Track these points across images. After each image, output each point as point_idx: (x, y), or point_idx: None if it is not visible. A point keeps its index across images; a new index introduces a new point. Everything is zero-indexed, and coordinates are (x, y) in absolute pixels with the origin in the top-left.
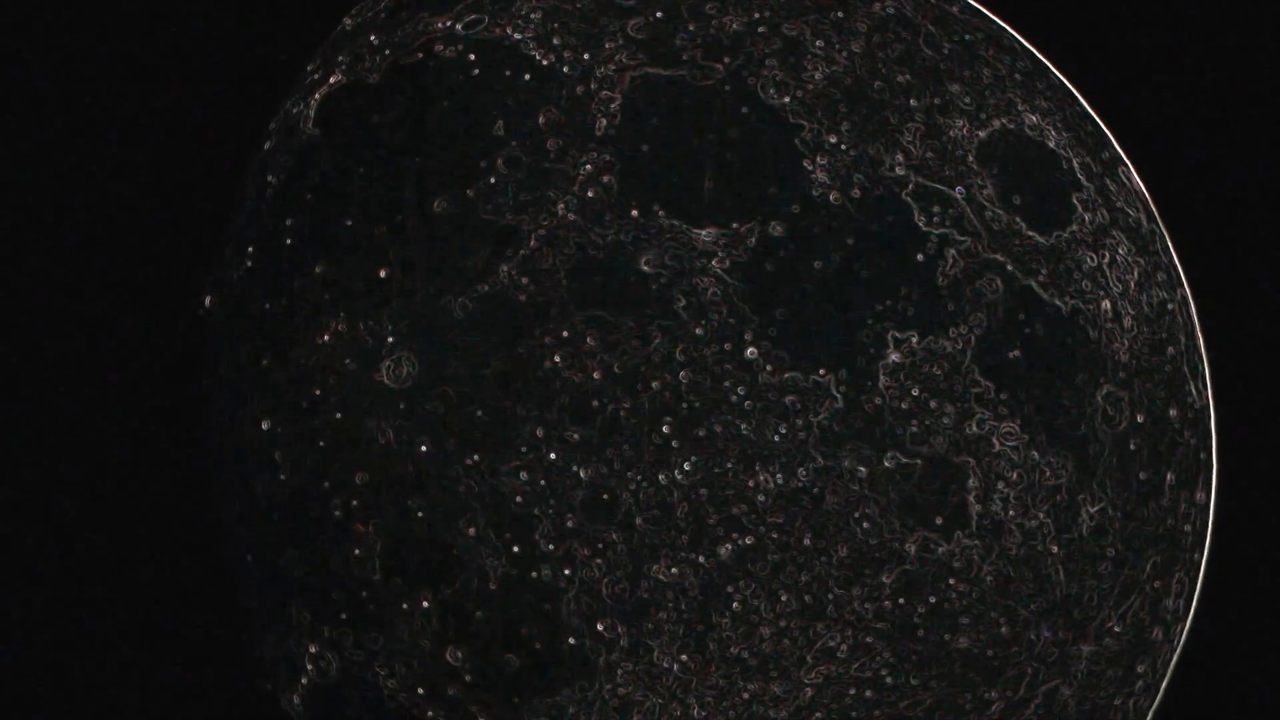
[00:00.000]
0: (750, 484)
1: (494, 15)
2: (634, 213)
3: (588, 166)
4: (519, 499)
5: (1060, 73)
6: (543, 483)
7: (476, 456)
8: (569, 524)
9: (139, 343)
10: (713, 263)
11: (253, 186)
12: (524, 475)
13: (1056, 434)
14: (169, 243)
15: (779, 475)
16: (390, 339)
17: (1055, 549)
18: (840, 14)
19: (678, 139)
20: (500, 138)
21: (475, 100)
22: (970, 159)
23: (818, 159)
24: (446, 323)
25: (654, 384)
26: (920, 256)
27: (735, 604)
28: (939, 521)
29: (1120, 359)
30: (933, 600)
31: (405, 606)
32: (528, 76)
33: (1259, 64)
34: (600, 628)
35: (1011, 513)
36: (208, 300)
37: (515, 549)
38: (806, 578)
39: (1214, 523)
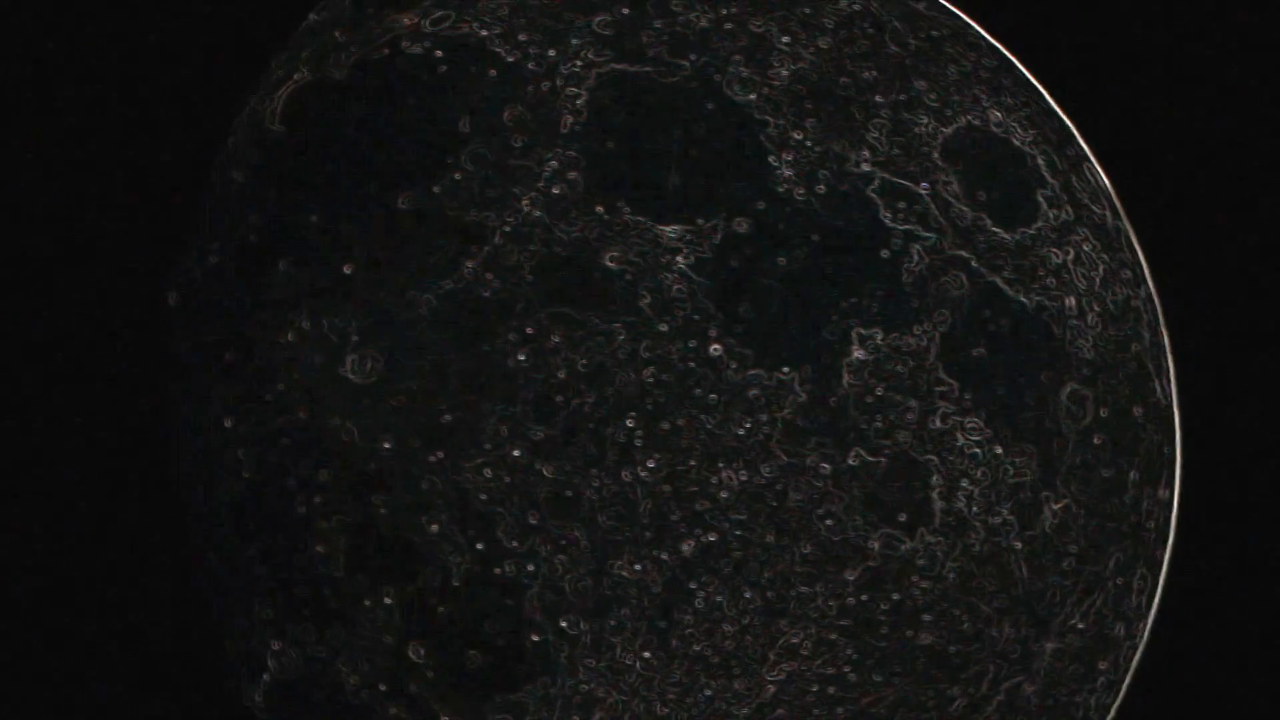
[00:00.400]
0: (713, 480)
1: (460, 11)
2: (599, 209)
3: (553, 163)
4: (482, 496)
5: (1026, 69)
6: (506, 479)
7: (440, 453)
8: (532, 520)
9: (101, 339)
10: (677, 259)
11: (217, 182)
12: (488, 472)
13: (1021, 431)
14: (133, 239)
15: (742, 472)
16: (354, 335)
17: (1019, 546)
18: (807, 10)
19: (643, 136)
20: (465, 134)
21: (440, 97)
22: (935, 155)
23: (783, 155)
24: (411, 319)
25: (618, 381)
26: (885, 253)
27: (698, 601)
28: (902, 518)
29: (1085, 356)
30: (896, 597)
31: (368, 603)
32: (493, 73)
33: (1225, 61)
34: (563, 624)
35: (975, 509)
36: (172, 297)
37: (478, 545)
38: (769, 574)
39: (1177, 519)
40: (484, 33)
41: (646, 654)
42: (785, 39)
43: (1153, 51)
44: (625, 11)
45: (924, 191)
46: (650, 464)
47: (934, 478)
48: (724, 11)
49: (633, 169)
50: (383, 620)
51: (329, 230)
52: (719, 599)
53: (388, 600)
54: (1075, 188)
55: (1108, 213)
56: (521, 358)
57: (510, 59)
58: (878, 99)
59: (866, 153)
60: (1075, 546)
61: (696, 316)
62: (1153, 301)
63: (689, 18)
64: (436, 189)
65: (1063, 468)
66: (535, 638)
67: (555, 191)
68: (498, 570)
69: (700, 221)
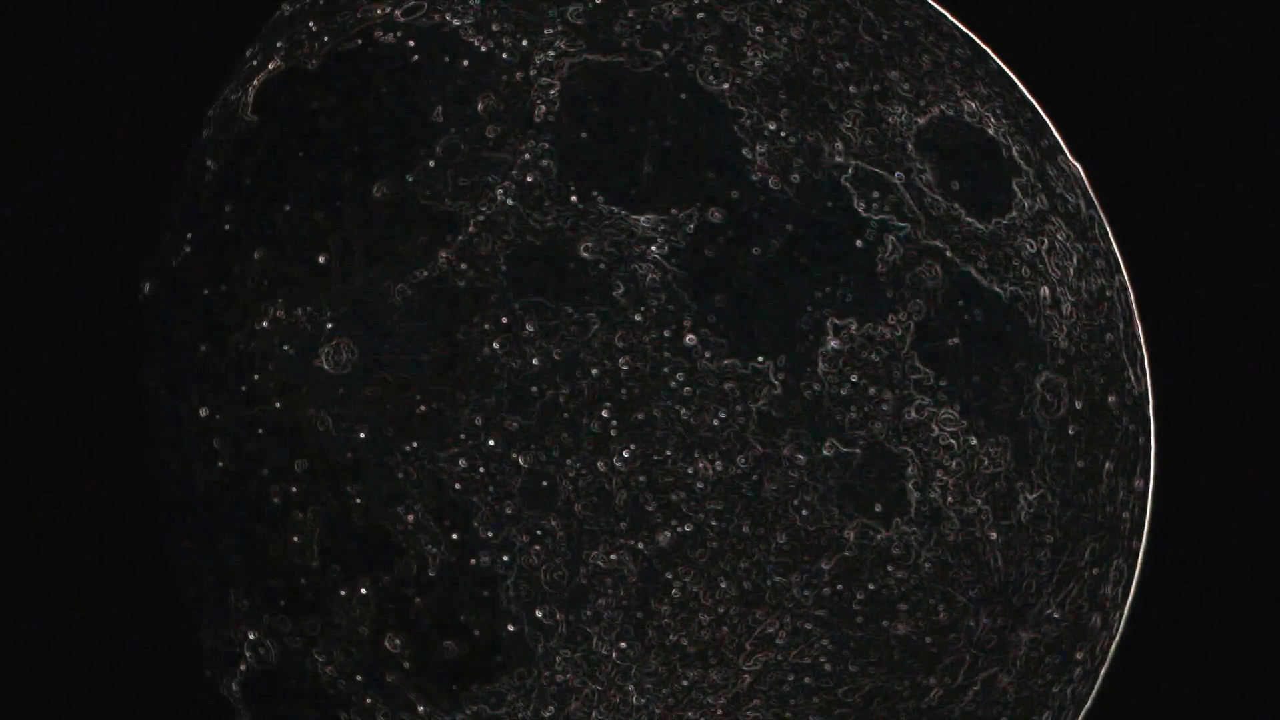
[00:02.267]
0: (689, 471)
1: (433, 1)
2: (573, 199)
3: (526, 154)
4: (457, 486)
5: (999, 59)
6: (481, 469)
7: (415, 443)
8: (507, 511)
9: (77, 329)
10: (652, 249)
11: (191, 172)
12: (463, 462)
13: (995, 421)
14: (108, 229)
15: (718, 462)
16: (329, 325)
17: (994, 536)
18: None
19: (617, 125)
20: (439, 124)
21: (414, 87)
22: (909, 146)
23: (757, 145)
24: (385, 309)
25: (593, 370)
26: (859, 243)
27: (674, 591)
28: (878, 508)
29: (1059, 345)
30: (871, 587)
31: (343, 593)
32: (466, 63)
33: (1197, 51)
34: (539, 614)
35: (950, 500)
36: (146, 286)
37: (454, 535)
38: (745, 564)
39: (1152, 509)
40: (456, 22)
41: (623, 644)
42: (758, 29)
43: (1126, 41)
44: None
45: (898, 182)
46: (625, 454)
47: (909, 468)
48: (696, 0)
49: (606, 159)
50: (359, 610)
51: (303, 220)
52: (695, 589)
53: (363, 591)
54: (1049, 177)
55: (1081, 202)
56: (496, 346)
57: (483, 49)
58: (851, 89)
59: (840, 143)
60: (1051, 537)
61: (671, 306)
62: (1127, 290)
63: (661, 8)
64: (410, 178)
65: (1037, 458)
66: (511, 628)
67: (529, 180)
68: (473, 561)
69: (674, 211)
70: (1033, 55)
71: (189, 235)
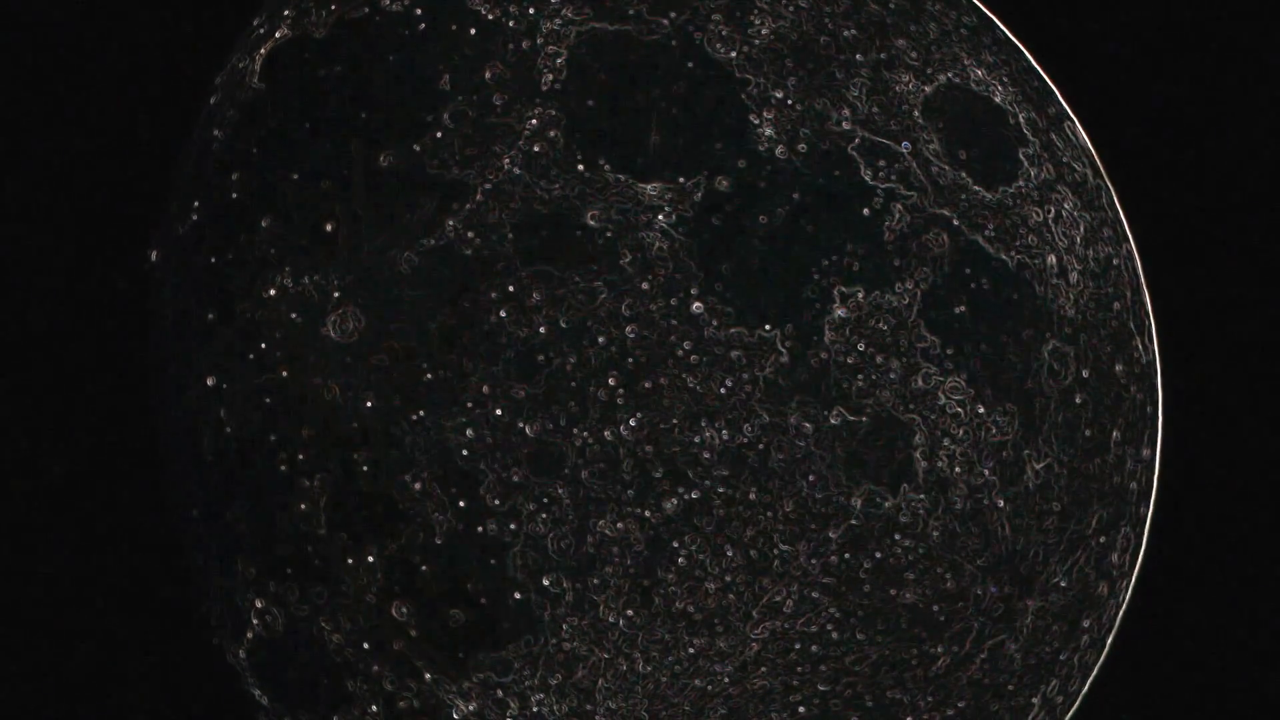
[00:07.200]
0: (696, 439)
1: None
2: (580, 167)
3: (533, 121)
4: (465, 453)
5: (1006, 27)
6: (488, 438)
7: (422, 412)
8: (514, 479)
9: (84, 297)
10: (659, 217)
11: (198, 141)
12: (470, 431)
13: (1002, 389)
14: (115, 198)
15: (725, 431)
16: (336, 293)
17: (1001, 504)
18: None
19: (624, 94)
20: (446, 92)
21: (421, 55)
22: (916, 114)
23: (764, 114)
24: (392, 277)
25: (600, 339)
26: (866, 211)
27: (680, 559)
28: (885, 477)
29: (1066, 314)
30: (879, 555)
31: (350, 561)
32: (473, 31)
33: (1204, 19)
34: (546, 582)
35: (957, 468)
36: (153, 254)
37: (461, 503)
38: (752, 533)
39: (1159, 478)
40: None
41: (629, 612)
42: None
43: (1134, 10)
44: None
45: (905, 150)
46: (632, 422)
47: (916, 436)
48: None
49: (613, 127)
50: (366, 578)
51: (310, 188)
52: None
53: (370, 559)
54: (1056, 146)
55: (1089, 171)
56: (503, 315)
57: (490, 17)
58: (858, 57)
59: (847, 111)
60: (1058, 505)
61: (678, 274)
62: (1134, 259)
63: None
64: (417, 147)
65: (1045, 426)
66: (518, 596)
67: (536, 149)
68: (480, 529)
69: (681, 180)
70: (1039, 23)
71: (196, 204)
